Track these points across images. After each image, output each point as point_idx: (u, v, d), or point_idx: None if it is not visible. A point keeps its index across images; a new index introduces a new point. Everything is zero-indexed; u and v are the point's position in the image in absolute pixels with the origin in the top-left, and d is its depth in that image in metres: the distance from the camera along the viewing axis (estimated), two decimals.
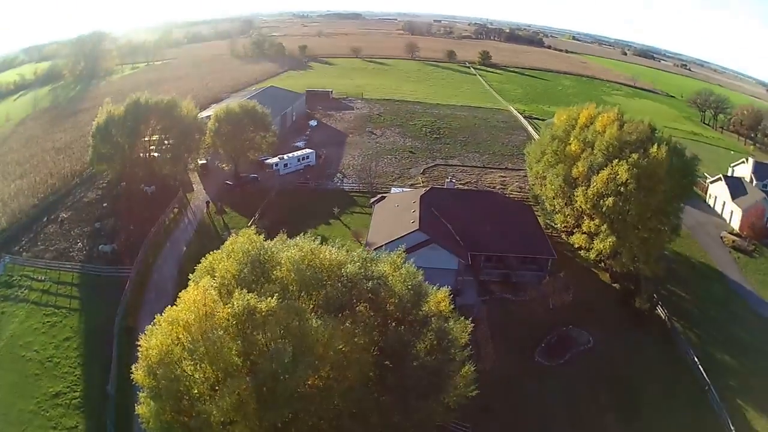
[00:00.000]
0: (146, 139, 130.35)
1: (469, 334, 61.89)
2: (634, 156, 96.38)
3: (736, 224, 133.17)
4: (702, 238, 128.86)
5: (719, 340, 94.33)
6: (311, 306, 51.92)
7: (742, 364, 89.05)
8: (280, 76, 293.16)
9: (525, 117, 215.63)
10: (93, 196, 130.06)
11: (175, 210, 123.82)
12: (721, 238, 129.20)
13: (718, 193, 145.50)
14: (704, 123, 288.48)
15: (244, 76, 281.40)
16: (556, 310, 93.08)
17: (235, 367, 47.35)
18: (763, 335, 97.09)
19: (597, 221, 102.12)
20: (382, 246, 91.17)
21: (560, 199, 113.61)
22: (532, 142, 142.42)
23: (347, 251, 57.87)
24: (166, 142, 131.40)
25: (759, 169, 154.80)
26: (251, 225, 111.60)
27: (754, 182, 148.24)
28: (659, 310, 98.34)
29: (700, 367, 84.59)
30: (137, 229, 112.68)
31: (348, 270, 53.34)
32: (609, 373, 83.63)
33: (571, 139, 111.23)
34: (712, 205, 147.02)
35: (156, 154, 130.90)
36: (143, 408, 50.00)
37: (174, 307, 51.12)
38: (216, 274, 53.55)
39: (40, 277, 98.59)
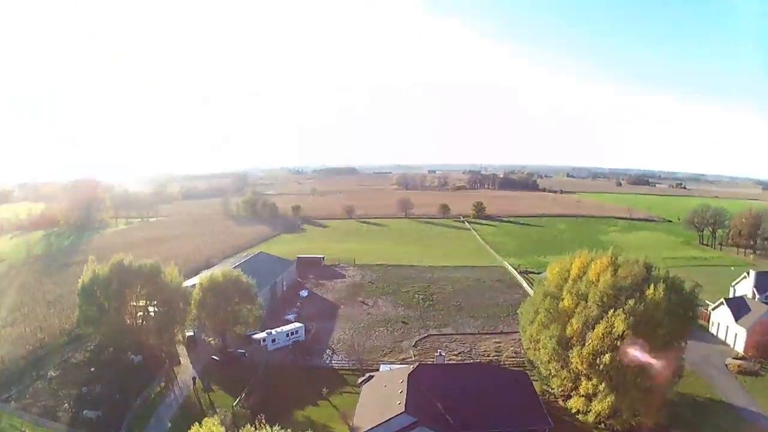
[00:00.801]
0: (133, 304, 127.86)
1: None
2: (630, 302, 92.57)
3: (740, 347, 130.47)
4: (706, 370, 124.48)
5: None
6: None
7: None
8: (273, 240, 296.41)
9: (520, 272, 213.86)
10: (81, 358, 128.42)
11: (162, 384, 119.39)
12: (726, 365, 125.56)
13: (720, 319, 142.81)
14: (703, 243, 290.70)
15: (236, 240, 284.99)
16: None
17: None
18: None
19: (595, 381, 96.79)
20: (368, 430, 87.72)
21: (555, 363, 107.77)
22: (526, 301, 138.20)
23: None
24: (150, 309, 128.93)
25: (760, 281, 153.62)
26: (236, 404, 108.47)
27: (757, 296, 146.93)
28: None
29: None
30: (123, 399, 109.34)
31: None
32: None
33: (564, 293, 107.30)
34: (715, 333, 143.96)
35: (142, 322, 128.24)
36: None
37: None
38: None
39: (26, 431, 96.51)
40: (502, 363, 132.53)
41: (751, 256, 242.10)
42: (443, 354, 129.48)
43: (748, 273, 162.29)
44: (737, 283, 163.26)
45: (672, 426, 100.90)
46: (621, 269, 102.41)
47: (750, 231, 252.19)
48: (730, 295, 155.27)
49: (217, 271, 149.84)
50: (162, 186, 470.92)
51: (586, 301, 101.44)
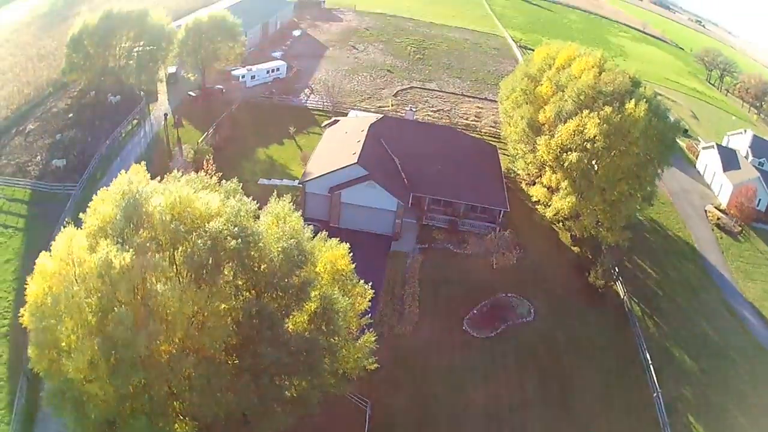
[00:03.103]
0: (121, 46, 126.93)
1: (369, 300, 57.78)
2: (607, 109, 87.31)
3: (724, 199, 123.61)
4: (684, 208, 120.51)
5: (681, 336, 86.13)
6: (178, 262, 46.56)
7: (703, 370, 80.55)
8: None
9: (519, 46, 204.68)
10: (62, 106, 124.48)
11: (134, 122, 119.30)
12: (706, 212, 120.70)
13: (709, 162, 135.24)
14: (709, 82, 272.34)
15: None
16: (501, 272, 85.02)
17: (90, 325, 43.61)
18: (732, 336, 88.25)
19: (559, 175, 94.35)
20: (317, 177, 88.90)
21: (523, 145, 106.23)
22: (511, 74, 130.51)
23: (228, 198, 51.18)
24: (135, 51, 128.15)
25: (757, 145, 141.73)
26: (201, 141, 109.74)
27: (750, 158, 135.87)
28: (618, 287, 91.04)
29: (651, 367, 76.54)
30: (94, 142, 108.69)
31: (210, 225, 46.36)
32: (545, 358, 76.42)
33: (544, 79, 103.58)
34: (701, 173, 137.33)
35: (126, 63, 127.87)
36: (30, 351, 47.05)
37: (46, 253, 47.84)
38: (96, 217, 47.97)
39: None
40: (479, 130, 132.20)
41: (755, 116, 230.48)
42: (414, 110, 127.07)
43: (745, 130, 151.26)
44: (732, 135, 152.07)
45: (635, 250, 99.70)
46: (605, 74, 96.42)
47: (757, 93, 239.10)
48: (724, 143, 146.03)
49: (203, 13, 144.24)
50: None
51: (564, 93, 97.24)
